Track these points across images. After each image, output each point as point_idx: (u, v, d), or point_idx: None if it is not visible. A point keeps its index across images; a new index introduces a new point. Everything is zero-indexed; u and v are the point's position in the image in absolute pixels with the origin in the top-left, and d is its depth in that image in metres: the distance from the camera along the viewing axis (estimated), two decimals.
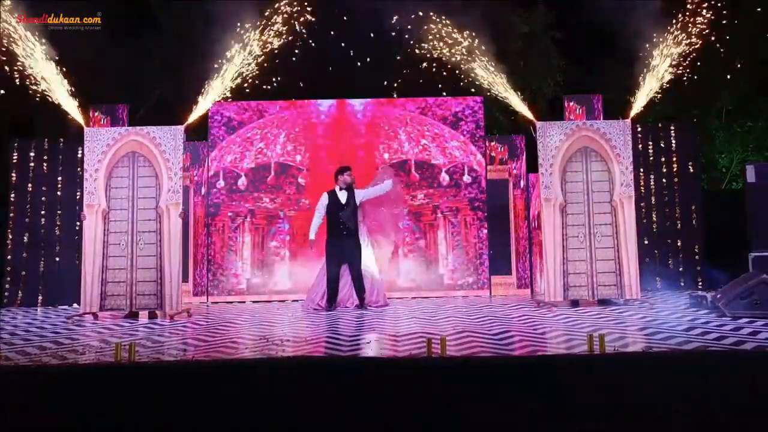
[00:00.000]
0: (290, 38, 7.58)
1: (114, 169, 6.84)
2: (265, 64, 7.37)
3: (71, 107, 6.79)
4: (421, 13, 8.48)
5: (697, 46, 7.01)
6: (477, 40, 7.55)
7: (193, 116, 7.03)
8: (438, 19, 7.96)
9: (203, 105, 7.08)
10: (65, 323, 6.37)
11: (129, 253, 6.71)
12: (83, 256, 6.71)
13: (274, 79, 8.36)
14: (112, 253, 6.69)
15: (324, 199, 7.20)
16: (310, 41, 8.88)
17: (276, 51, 7.42)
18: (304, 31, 7.91)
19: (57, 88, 6.68)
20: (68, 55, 7.03)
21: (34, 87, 6.67)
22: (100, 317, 6.69)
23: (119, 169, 6.84)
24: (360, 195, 7.23)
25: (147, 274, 6.68)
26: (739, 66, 10.99)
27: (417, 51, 8.96)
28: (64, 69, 6.80)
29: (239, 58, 7.07)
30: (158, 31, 11.51)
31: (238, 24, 7.22)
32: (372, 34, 9.95)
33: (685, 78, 7.20)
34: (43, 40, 6.70)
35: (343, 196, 7.12)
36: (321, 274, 7.21)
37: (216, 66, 7.12)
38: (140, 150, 6.85)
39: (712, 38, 7.39)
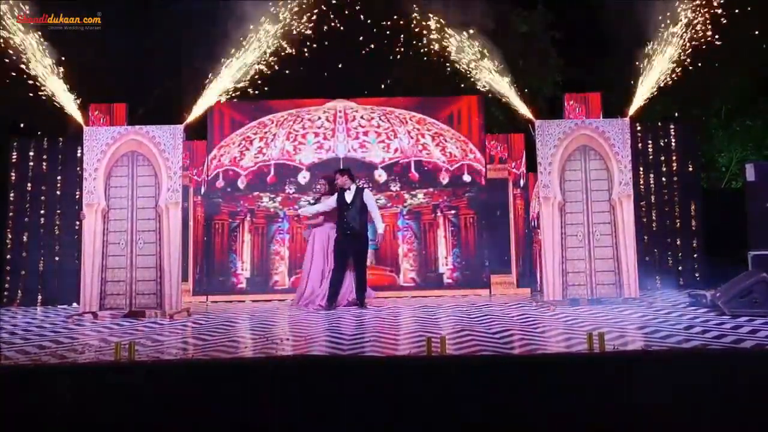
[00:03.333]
0: (290, 37, 7.56)
1: (113, 169, 6.84)
2: (265, 62, 7.35)
3: (71, 106, 6.78)
4: (421, 13, 8.46)
5: (697, 42, 7.00)
6: (476, 40, 7.54)
7: (193, 115, 7.03)
8: (438, 19, 7.94)
9: (203, 104, 7.07)
10: (65, 322, 6.37)
11: (128, 252, 6.71)
12: (83, 255, 6.72)
13: (273, 79, 8.34)
14: (111, 252, 6.70)
15: (333, 197, 7.15)
16: (310, 41, 8.86)
17: (276, 49, 7.40)
18: (305, 29, 7.89)
19: (56, 87, 6.67)
20: (68, 55, 7.02)
21: (34, 86, 6.67)
22: (99, 316, 6.68)
23: (119, 168, 6.84)
24: (368, 202, 7.08)
25: (146, 274, 6.68)
26: (739, 65, 10.98)
27: (417, 50, 8.96)
28: (64, 69, 6.79)
29: (239, 57, 7.06)
30: (158, 30, 11.49)
31: (238, 24, 7.21)
32: (372, 34, 9.94)
33: (687, 66, 7.13)
34: (44, 40, 6.69)
35: (348, 196, 7.05)
36: (306, 270, 7.28)
37: (215, 65, 7.11)
38: (140, 149, 6.85)
39: (715, 36, 7.37)
